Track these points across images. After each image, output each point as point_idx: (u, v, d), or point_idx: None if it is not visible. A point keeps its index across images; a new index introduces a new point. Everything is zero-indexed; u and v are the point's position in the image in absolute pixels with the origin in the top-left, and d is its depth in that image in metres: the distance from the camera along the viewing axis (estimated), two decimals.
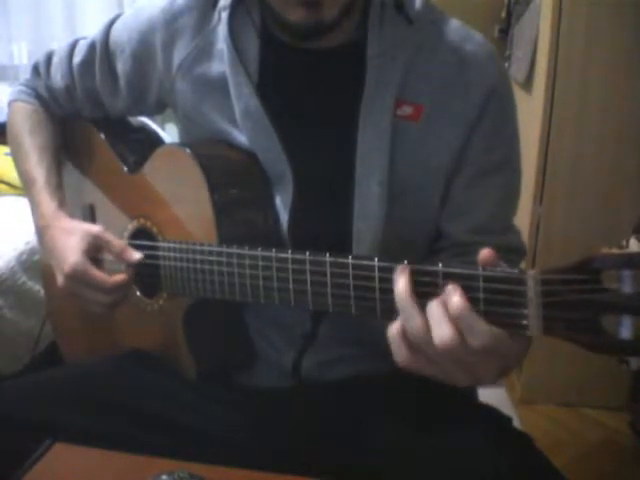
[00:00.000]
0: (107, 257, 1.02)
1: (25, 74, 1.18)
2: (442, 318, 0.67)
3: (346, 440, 0.92)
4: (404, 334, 0.69)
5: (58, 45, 1.15)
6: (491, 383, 0.71)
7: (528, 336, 0.66)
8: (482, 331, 0.66)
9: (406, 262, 0.71)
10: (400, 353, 0.70)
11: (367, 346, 0.97)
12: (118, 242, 0.99)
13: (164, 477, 0.75)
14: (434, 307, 0.68)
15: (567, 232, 2.03)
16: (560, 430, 2.03)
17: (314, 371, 0.98)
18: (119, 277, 0.97)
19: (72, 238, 0.99)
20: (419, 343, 0.68)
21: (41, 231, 1.06)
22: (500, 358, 0.68)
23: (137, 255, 0.97)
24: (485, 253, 0.67)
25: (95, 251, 0.99)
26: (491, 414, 0.93)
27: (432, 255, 0.96)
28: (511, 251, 0.97)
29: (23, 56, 2.71)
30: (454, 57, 0.92)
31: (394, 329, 0.70)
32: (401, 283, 0.70)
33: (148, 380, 0.98)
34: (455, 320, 0.66)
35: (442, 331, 0.66)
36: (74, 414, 0.91)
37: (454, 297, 0.67)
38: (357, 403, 0.95)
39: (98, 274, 0.97)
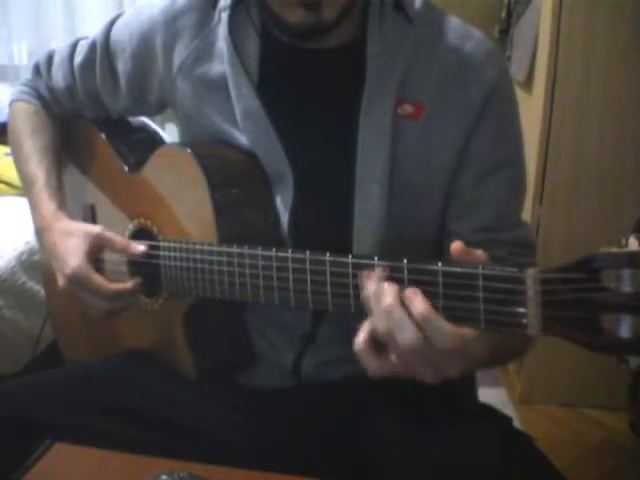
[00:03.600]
0: (108, 257, 1.02)
1: (25, 74, 1.18)
2: (404, 321, 0.69)
3: (346, 440, 0.92)
4: (371, 342, 0.72)
5: (58, 45, 1.15)
6: (455, 378, 0.73)
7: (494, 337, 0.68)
8: (448, 333, 0.68)
9: (406, 260, 0.72)
10: (371, 363, 0.72)
11: None
12: (120, 238, 0.99)
13: (164, 477, 0.75)
14: (396, 310, 0.69)
15: (567, 232, 2.03)
16: (560, 430, 2.03)
17: (314, 371, 0.98)
18: (120, 285, 0.97)
19: (73, 240, 0.99)
20: (387, 345, 0.70)
21: (41, 232, 1.06)
22: (467, 357, 0.70)
23: (141, 246, 0.97)
24: (455, 246, 0.69)
25: (97, 252, 0.99)
26: (491, 414, 0.93)
27: (442, 255, 0.96)
28: (522, 246, 0.96)
29: (23, 56, 2.71)
30: (454, 56, 0.92)
31: (360, 341, 0.73)
32: (371, 289, 0.72)
33: (148, 380, 0.98)
34: (420, 325, 0.68)
35: (405, 334, 0.68)
36: (74, 414, 0.91)
37: (416, 302, 0.69)
38: (357, 403, 0.95)
39: (99, 280, 0.97)
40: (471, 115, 0.91)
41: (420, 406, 0.91)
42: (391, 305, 0.70)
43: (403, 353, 0.70)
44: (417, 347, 0.68)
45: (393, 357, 0.71)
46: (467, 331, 0.68)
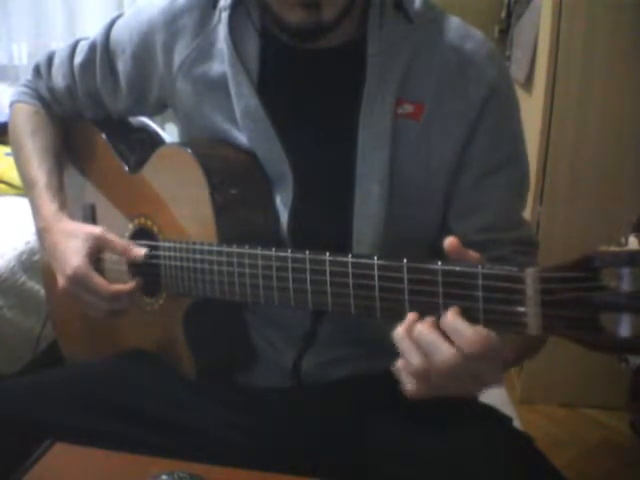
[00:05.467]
0: (108, 257, 1.02)
1: (25, 74, 1.18)
2: (438, 341, 0.68)
3: (346, 440, 0.92)
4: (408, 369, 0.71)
5: (58, 45, 1.15)
6: (495, 384, 0.72)
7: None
8: (471, 337, 0.67)
9: (406, 260, 0.71)
10: (410, 384, 0.72)
11: (367, 346, 0.97)
12: (121, 241, 0.99)
13: (164, 477, 0.75)
14: (427, 334, 0.69)
15: (567, 232, 2.03)
16: (560, 430, 2.03)
17: (314, 371, 0.98)
18: (120, 286, 0.97)
19: (74, 241, 0.99)
20: (424, 376, 0.70)
21: (42, 233, 1.06)
22: (497, 359, 0.69)
23: (142, 250, 0.98)
24: (449, 242, 0.69)
25: (97, 253, 0.99)
26: (491, 414, 0.93)
27: (442, 255, 0.96)
28: (524, 244, 0.97)
29: (23, 56, 2.71)
30: (454, 56, 0.92)
31: (400, 364, 0.72)
32: (400, 328, 0.71)
33: (148, 380, 0.98)
34: (449, 333, 0.68)
35: (442, 354, 0.68)
36: (74, 414, 0.91)
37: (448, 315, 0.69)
38: (357, 403, 0.95)
39: (99, 280, 0.97)
40: (471, 115, 0.91)
41: (420, 406, 0.91)
42: (421, 331, 0.70)
43: (443, 376, 0.69)
44: (454, 362, 0.68)
45: (433, 383, 0.70)
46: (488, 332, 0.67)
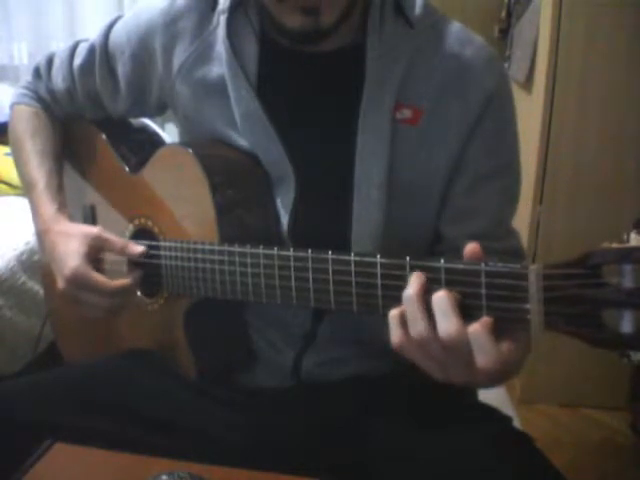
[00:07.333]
0: (108, 258, 1.02)
1: (25, 74, 1.18)
2: (449, 310, 0.68)
3: (346, 440, 0.92)
4: (403, 321, 0.70)
5: (58, 45, 1.15)
6: (490, 384, 0.72)
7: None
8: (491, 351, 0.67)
9: (409, 258, 0.71)
10: (396, 334, 0.71)
11: (367, 346, 0.97)
12: (119, 239, 0.99)
13: (164, 477, 0.75)
14: (441, 298, 0.68)
15: (567, 232, 2.03)
16: (560, 430, 2.03)
17: (314, 371, 0.98)
18: (121, 281, 0.97)
19: (72, 242, 0.99)
20: (423, 342, 0.69)
21: (41, 235, 1.06)
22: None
23: (140, 248, 0.97)
24: (470, 248, 0.69)
25: (96, 253, 0.99)
26: (491, 414, 0.93)
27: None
28: (512, 255, 0.97)
29: (23, 56, 2.71)
30: (454, 61, 0.91)
31: (395, 312, 0.71)
32: (414, 287, 0.70)
33: (148, 380, 0.98)
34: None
35: (448, 324, 0.68)
36: (74, 414, 0.91)
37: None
38: (357, 403, 0.95)
39: (99, 277, 0.97)
40: (469, 120, 0.91)
41: (420, 406, 0.91)
42: (410, 296, 0.70)
43: (441, 348, 0.69)
44: (458, 338, 0.68)
45: (426, 350, 0.70)
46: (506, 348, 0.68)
